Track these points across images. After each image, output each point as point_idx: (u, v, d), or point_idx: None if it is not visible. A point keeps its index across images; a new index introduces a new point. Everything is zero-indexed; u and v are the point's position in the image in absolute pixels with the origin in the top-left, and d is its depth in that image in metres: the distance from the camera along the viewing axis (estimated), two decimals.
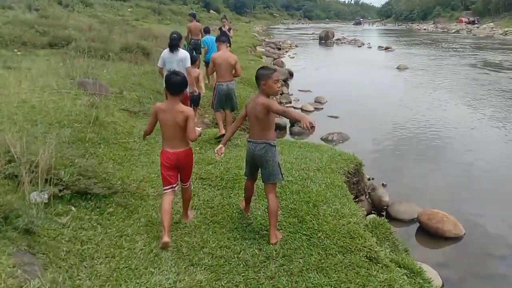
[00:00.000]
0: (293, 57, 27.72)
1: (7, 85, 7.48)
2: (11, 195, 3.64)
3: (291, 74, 19.05)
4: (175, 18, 42.35)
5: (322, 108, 13.24)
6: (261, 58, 20.90)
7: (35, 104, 6.23)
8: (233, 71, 6.60)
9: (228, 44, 7.26)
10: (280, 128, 10.67)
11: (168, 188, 3.67)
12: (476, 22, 71.98)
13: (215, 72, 6.73)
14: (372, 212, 6.36)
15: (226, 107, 6.78)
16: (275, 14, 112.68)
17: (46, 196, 3.70)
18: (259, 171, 3.86)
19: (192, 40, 12.21)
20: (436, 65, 23.82)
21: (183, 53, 6.47)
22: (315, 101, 13.85)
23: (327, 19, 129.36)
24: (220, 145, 3.82)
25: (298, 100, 14.12)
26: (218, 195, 4.61)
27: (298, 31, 64.54)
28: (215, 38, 11.22)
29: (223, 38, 6.96)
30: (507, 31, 52.65)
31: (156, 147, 5.96)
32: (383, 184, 7.44)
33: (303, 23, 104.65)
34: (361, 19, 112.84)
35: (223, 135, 6.25)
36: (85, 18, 27.86)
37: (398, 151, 9.39)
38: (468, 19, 75.17)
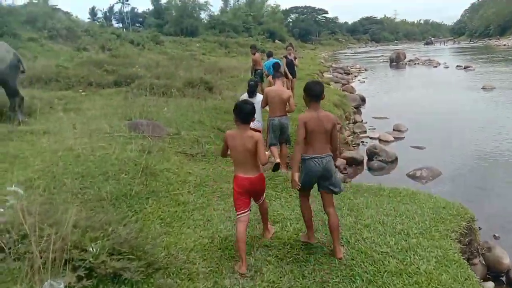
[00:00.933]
0: (364, 82, 26.20)
1: (60, 129, 7.04)
2: (20, 284, 2.81)
3: (363, 100, 17.67)
4: (241, 50, 42.59)
5: (403, 137, 11.72)
6: (329, 84, 19.71)
7: (81, 152, 5.55)
8: (287, 106, 6.53)
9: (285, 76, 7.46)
10: (356, 163, 9.38)
11: (241, 213, 3.65)
12: None
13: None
14: (488, 276, 4.98)
15: (281, 142, 6.73)
16: (340, 39, 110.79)
17: (62, 286, 2.81)
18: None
19: (258, 70, 12.42)
20: None
21: (259, 97, 6.61)
22: (393, 130, 12.34)
23: (395, 41, 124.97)
24: (294, 177, 3.73)
25: (374, 128, 12.71)
26: (288, 272, 3.46)
27: (366, 54, 62.31)
28: (275, 61, 10.83)
29: (278, 74, 7.06)
30: None
31: (212, 200, 5.02)
32: (494, 236, 6.00)
33: (370, 46, 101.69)
34: (432, 39, 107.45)
35: (279, 163, 6.29)
36: (154, 55, 28.62)
37: (504, 189, 7.71)
38: None
